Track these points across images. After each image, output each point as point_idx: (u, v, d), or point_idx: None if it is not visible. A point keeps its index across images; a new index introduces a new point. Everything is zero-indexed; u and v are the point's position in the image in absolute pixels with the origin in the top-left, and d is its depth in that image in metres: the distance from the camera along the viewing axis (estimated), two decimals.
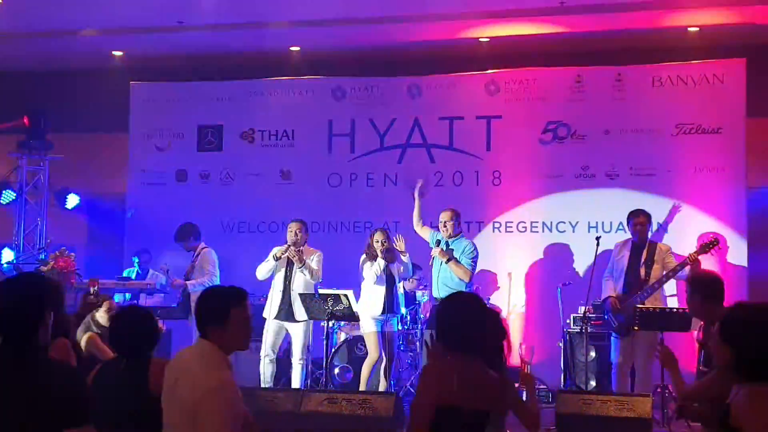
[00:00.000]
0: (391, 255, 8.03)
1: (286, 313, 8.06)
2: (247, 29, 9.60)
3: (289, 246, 8.06)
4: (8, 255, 9.90)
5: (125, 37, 10.07)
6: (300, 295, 7.96)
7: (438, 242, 7.97)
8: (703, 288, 4.50)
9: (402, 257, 8.15)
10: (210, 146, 10.45)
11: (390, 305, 8.02)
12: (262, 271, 8.27)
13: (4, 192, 10.00)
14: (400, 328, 8.34)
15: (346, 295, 7.81)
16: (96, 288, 5.34)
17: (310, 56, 10.23)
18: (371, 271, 7.99)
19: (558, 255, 9.40)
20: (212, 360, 3.37)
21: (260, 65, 10.34)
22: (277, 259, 8.10)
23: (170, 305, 9.16)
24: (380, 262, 7.93)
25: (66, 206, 10.29)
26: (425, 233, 8.35)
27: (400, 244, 8.15)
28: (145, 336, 4.26)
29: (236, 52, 10.24)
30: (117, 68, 10.65)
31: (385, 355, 7.98)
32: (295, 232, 8.11)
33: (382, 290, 8.02)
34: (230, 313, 3.40)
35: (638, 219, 7.86)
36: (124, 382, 4.10)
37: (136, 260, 9.77)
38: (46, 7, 9.10)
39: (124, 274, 9.88)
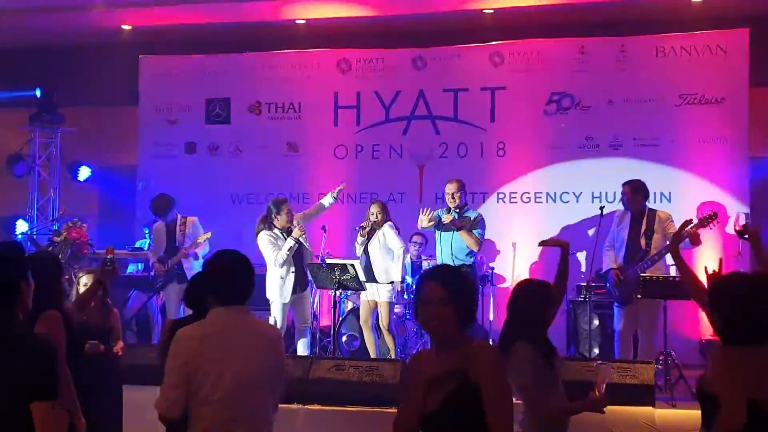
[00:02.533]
0: (378, 227, 7.94)
1: (300, 287, 7.95)
2: (253, 2, 9.49)
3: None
4: (22, 226, 9.96)
5: (134, 11, 9.99)
6: (309, 264, 7.90)
7: (448, 210, 7.83)
8: None
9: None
10: (218, 119, 10.38)
11: (366, 273, 7.93)
12: (279, 260, 8.06)
13: (16, 164, 10.01)
14: (407, 297, 8.22)
15: (352, 265, 7.77)
16: (112, 256, 5.20)
17: (316, 29, 10.11)
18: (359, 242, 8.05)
19: (562, 225, 9.27)
20: None
21: (266, 38, 10.24)
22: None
23: None
24: (360, 239, 7.99)
25: (78, 178, 10.35)
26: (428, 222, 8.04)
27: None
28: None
29: (242, 25, 10.13)
30: (126, 42, 10.58)
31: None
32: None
33: (362, 260, 8.00)
34: None
35: (626, 188, 7.65)
36: None
37: (147, 231, 9.66)
38: None
39: (137, 245, 9.87)
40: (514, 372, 3.91)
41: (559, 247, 4.96)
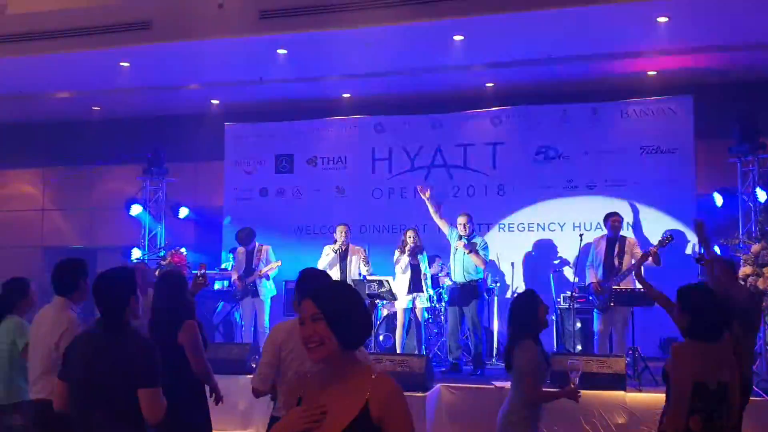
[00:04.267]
0: (418, 248, 7.91)
1: None
2: (310, 81, 9.52)
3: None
4: (137, 253, 9.95)
5: (221, 89, 10.06)
6: (353, 280, 7.86)
7: (460, 237, 7.77)
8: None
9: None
10: (284, 170, 10.40)
11: (414, 286, 7.88)
12: (322, 264, 8.14)
13: (133, 206, 10.04)
14: (427, 305, 8.14)
15: (387, 281, 7.73)
16: (204, 271, 5.21)
17: (358, 100, 10.13)
18: (402, 261, 7.97)
19: (550, 248, 9.18)
20: None
21: (320, 108, 10.23)
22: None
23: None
24: (404, 258, 7.92)
25: (178, 216, 10.39)
26: (443, 225, 8.11)
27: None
28: None
29: (302, 98, 10.16)
30: (215, 113, 10.64)
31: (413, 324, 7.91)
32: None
33: (407, 275, 7.92)
34: None
35: (615, 218, 7.64)
36: None
37: (231, 256, 9.68)
38: (162, 68, 9.13)
39: (223, 266, 9.87)
40: (521, 361, 3.89)
41: None
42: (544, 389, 4.13)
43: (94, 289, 3.03)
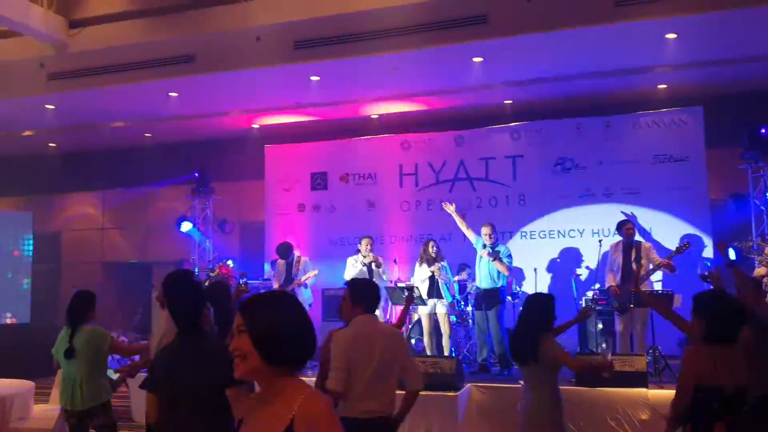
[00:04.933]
0: (437, 257, 7.75)
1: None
2: (341, 104, 9.44)
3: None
4: (187, 267, 9.92)
5: (260, 114, 10.02)
6: (386, 287, 7.73)
7: (484, 246, 7.58)
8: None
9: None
10: (319, 186, 10.31)
11: (432, 293, 7.69)
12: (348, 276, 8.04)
13: (183, 223, 10.07)
14: (446, 310, 7.84)
15: (417, 287, 7.57)
16: (245, 279, 5.14)
17: (385, 120, 10.01)
18: (420, 270, 7.83)
19: (570, 254, 8.92)
20: None
21: (351, 128, 10.16)
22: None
23: None
24: (423, 266, 7.76)
25: (224, 231, 10.41)
26: (470, 235, 7.92)
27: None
28: None
29: (333, 121, 10.09)
30: (255, 136, 10.62)
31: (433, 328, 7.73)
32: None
33: (426, 283, 7.75)
34: None
35: (628, 225, 7.37)
36: None
37: (273, 265, 9.61)
38: (207, 97, 9.12)
39: (265, 276, 9.82)
40: (548, 351, 3.80)
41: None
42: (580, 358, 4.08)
43: (170, 305, 2.99)
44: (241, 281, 5.14)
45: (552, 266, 8.93)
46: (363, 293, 3.58)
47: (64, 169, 11.59)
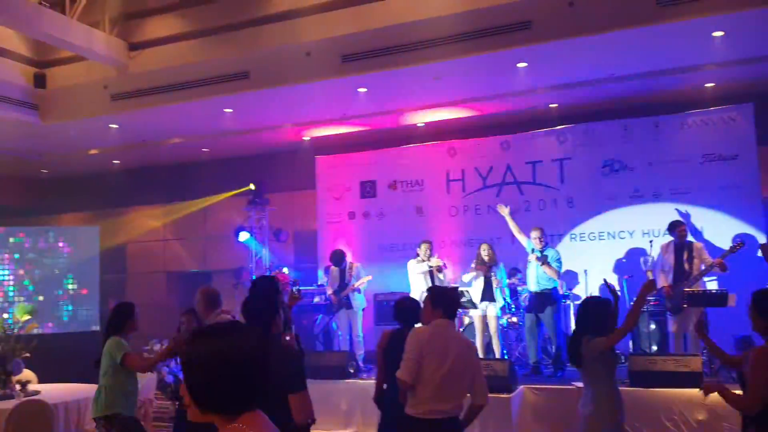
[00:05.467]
0: (491, 261, 7.78)
1: None
2: (388, 114, 9.54)
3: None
4: (246, 275, 10.23)
5: (311, 127, 10.17)
6: None
7: (533, 250, 7.62)
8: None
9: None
10: (368, 194, 10.50)
11: (485, 296, 7.76)
12: (413, 279, 8.28)
13: (241, 233, 10.34)
14: (499, 313, 7.96)
15: (467, 291, 7.65)
16: (298, 286, 5.33)
17: (431, 128, 10.12)
18: (472, 273, 7.94)
19: (620, 255, 8.85)
20: None
21: (398, 137, 10.30)
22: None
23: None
24: (478, 271, 7.86)
25: (280, 240, 10.60)
26: (522, 239, 7.98)
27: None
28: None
29: (381, 129, 10.23)
30: (306, 147, 10.84)
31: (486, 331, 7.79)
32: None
33: (479, 286, 7.83)
34: None
35: (681, 227, 7.30)
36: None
37: (326, 272, 9.82)
38: (260, 111, 9.29)
39: (319, 283, 10.04)
40: (594, 348, 3.82)
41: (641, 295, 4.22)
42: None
43: (243, 307, 3.05)
44: (294, 288, 5.31)
45: (602, 268, 8.88)
46: (443, 299, 3.68)
47: (128, 185, 12.03)
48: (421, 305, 3.89)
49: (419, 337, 3.50)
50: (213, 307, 4.55)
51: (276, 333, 3.08)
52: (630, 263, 8.67)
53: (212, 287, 4.85)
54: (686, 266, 7.07)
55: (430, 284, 8.07)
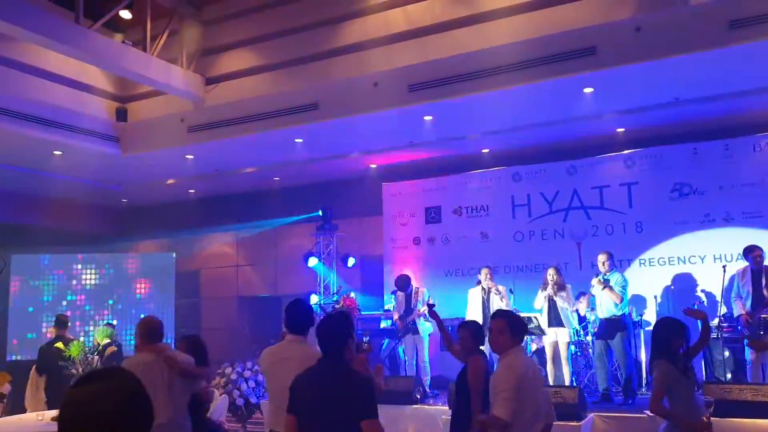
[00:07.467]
0: (558, 284, 7.75)
1: None
2: (453, 141, 9.69)
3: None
4: (314, 299, 10.40)
5: (377, 154, 10.34)
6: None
7: (597, 275, 7.59)
8: None
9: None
10: (433, 220, 10.63)
11: (552, 320, 7.72)
12: (472, 308, 8.37)
13: (310, 258, 10.55)
14: (568, 339, 7.86)
15: (536, 317, 7.62)
16: (368, 338, 4.83)
17: (496, 154, 10.21)
18: (540, 298, 7.90)
19: (691, 280, 8.72)
20: None
21: (463, 163, 10.42)
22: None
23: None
24: (543, 294, 7.83)
25: (347, 265, 10.71)
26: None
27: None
28: None
29: (446, 156, 10.31)
30: (373, 175, 11.05)
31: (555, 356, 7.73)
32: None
33: (545, 311, 7.81)
34: None
35: (757, 252, 7.12)
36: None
37: (393, 297, 9.96)
38: (329, 141, 9.61)
39: (385, 307, 10.15)
40: (655, 379, 3.81)
41: (699, 318, 4.28)
42: (673, 409, 3.86)
43: (318, 330, 3.10)
44: (364, 339, 5.00)
45: (672, 293, 8.74)
46: (521, 325, 3.61)
47: (202, 212, 12.52)
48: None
49: (519, 372, 3.32)
50: (152, 340, 4.21)
51: (349, 359, 3.07)
52: (701, 289, 8.47)
53: (155, 318, 4.43)
54: (765, 292, 6.87)
55: (481, 309, 8.09)
